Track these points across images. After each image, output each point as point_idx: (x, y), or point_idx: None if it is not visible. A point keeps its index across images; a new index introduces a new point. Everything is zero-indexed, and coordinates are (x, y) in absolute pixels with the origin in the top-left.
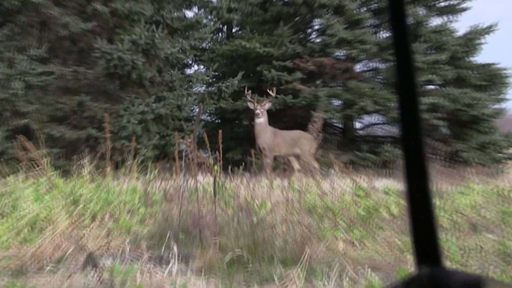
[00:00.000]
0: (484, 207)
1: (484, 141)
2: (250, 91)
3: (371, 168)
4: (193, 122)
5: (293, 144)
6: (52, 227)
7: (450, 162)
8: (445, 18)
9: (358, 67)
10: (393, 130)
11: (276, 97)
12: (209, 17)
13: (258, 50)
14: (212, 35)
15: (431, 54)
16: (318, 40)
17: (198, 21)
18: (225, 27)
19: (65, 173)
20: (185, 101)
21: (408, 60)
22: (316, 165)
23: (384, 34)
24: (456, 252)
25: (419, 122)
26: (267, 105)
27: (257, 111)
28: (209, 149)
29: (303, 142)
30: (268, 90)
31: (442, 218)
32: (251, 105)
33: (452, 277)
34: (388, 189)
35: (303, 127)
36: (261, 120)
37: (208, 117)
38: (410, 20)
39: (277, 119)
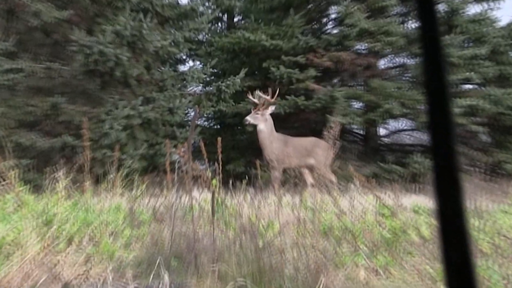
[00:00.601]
0: None
1: None
2: (257, 91)
3: (397, 182)
4: (187, 128)
5: (306, 154)
6: (21, 252)
7: (491, 175)
8: (485, 5)
9: (382, 63)
10: (424, 138)
11: (285, 98)
12: (207, 4)
13: (265, 43)
14: (210, 25)
15: (469, 47)
16: (335, 31)
17: (194, 8)
18: (225, 15)
19: (36, 189)
20: (178, 103)
21: (437, 55)
22: (333, 178)
23: (413, 24)
24: (499, 282)
25: (451, 128)
26: (269, 109)
27: (249, 118)
28: (206, 160)
29: (318, 152)
30: (267, 94)
31: (482, 241)
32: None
33: None
34: (418, 207)
35: (317, 133)
36: (262, 127)
37: (205, 122)
38: (441, 8)
39: (286, 124)
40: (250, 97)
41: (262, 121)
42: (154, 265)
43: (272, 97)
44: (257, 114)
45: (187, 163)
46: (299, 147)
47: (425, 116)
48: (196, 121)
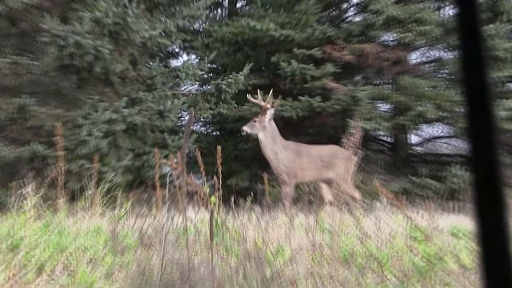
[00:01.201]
0: None
1: None
2: (261, 93)
3: (432, 199)
4: (181, 134)
5: (323, 166)
6: None
7: None
8: None
9: (414, 57)
10: (465, 146)
11: (298, 99)
12: None
13: (273, 33)
14: (208, 12)
15: None
16: (357, 19)
17: None
18: (227, 0)
19: (0, 207)
20: (170, 105)
21: (478, 47)
22: (357, 195)
23: (451, 11)
24: None
25: (493, 134)
26: (268, 114)
27: (246, 128)
28: (203, 173)
29: (338, 163)
30: (264, 101)
31: None
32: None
33: None
34: (457, 229)
35: (335, 141)
36: (261, 137)
37: (202, 128)
38: None
39: (299, 130)
40: (251, 98)
41: (260, 130)
42: None
43: (276, 98)
44: (254, 122)
45: (181, 176)
46: (315, 158)
47: (464, 120)
48: (192, 127)
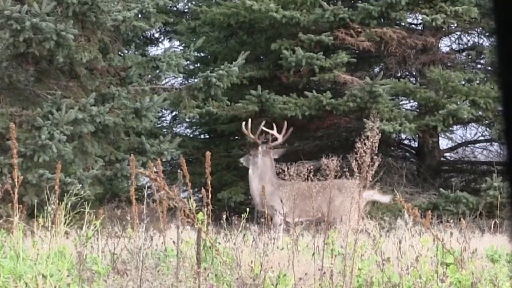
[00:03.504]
0: None
1: None
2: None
3: (466, 216)
4: (161, 138)
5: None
6: None
7: None
8: None
9: (445, 44)
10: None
11: (304, 96)
12: None
13: (274, 15)
14: None
15: None
16: None
17: None
18: None
19: None
20: (148, 103)
21: None
22: (369, 223)
23: None
24: None
25: None
26: (260, 151)
27: (242, 160)
28: (189, 185)
29: (341, 200)
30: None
31: None
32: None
33: None
34: (495, 252)
35: (348, 145)
36: (250, 172)
37: (188, 130)
38: None
39: (305, 133)
40: (244, 129)
41: (251, 165)
42: None
43: (281, 133)
44: (250, 155)
45: (162, 189)
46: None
47: (501, 121)
48: (174, 128)
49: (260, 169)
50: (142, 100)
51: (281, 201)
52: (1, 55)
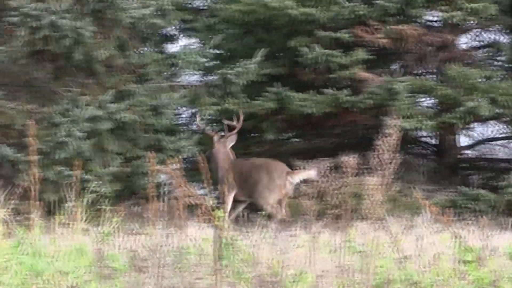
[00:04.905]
0: None
1: None
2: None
3: (486, 214)
4: (179, 135)
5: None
6: None
7: None
8: None
9: (464, 41)
10: None
11: (321, 93)
12: None
13: (292, 12)
14: None
15: None
16: None
17: None
18: None
19: None
20: (166, 100)
21: None
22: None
23: None
24: None
25: None
26: (215, 139)
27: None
28: (207, 182)
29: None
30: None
31: None
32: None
33: None
34: None
35: (366, 142)
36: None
37: (206, 127)
38: None
39: (322, 130)
40: (198, 122)
41: (210, 155)
42: None
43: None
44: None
45: (180, 186)
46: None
47: None
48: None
49: (216, 156)
50: (160, 97)
51: (225, 181)
52: (18, 52)
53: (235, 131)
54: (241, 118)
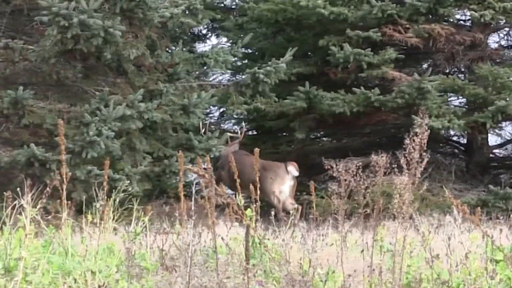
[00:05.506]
0: None
1: None
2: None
3: None
4: (209, 135)
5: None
6: None
7: None
8: None
9: (494, 40)
10: None
11: (352, 92)
12: None
13: (322, 11)
14: None
15: None
16: None
17: None
18: None
19: None
20: (196, 99)
21: None
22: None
23: None
24: None
25: None
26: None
27: None
28: (238, 181)
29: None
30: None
31: None
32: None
33: None
34: None
35: (396, 141)
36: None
37: (236, 126)
38: None
39: (353, 129)
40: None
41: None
42: None
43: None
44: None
45: (210, 185)
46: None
47: None
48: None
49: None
50: (190, 96)
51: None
52: (49, 51)
53: (237, 141)
54: (244, 131)
